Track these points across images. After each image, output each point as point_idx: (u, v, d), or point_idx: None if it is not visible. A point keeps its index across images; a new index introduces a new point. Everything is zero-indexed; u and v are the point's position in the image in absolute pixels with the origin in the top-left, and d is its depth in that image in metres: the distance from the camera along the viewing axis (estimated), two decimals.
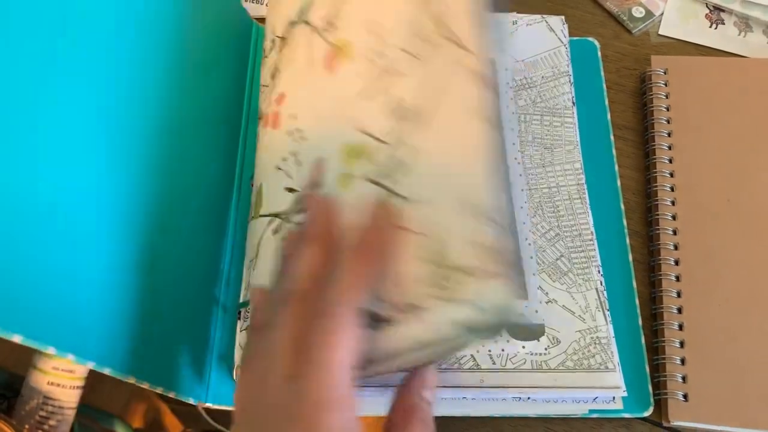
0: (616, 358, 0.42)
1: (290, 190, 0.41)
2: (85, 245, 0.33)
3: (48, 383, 0.40)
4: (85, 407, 1.03)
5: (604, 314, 0.43)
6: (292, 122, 0.42)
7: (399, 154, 0.36)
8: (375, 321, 0.31)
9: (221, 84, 0.49)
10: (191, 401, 0.41)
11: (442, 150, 0.36)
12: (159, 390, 0.38)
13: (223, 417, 1.15)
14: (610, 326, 0.43)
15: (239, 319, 0.44)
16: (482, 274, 0.32)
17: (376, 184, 0.36)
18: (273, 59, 0.45)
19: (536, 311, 0.43)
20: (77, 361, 0.32)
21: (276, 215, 0.41)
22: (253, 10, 0.57)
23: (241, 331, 0.43)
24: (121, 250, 0.36)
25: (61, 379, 0.41)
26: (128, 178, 0.37)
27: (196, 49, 0.45)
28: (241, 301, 0.45)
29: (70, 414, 0.44)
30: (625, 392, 0.41)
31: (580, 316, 0.43)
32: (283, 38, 0.44)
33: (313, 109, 0.41)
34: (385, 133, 0.37)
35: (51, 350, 0.30)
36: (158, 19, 0.40)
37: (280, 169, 0.42)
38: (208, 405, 0.43)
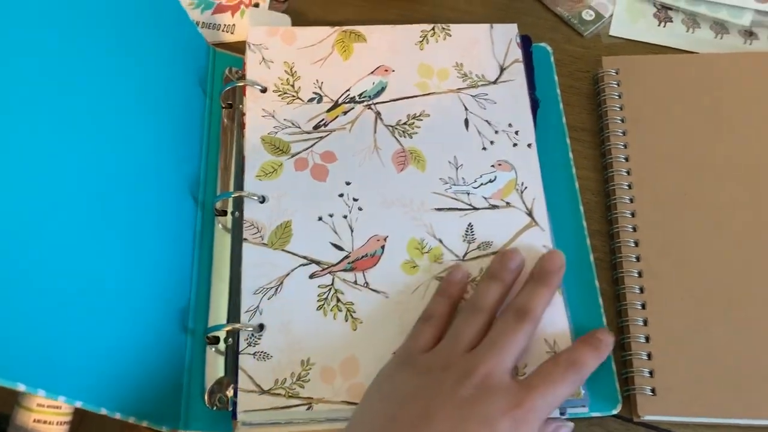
0: None
1: (336, 246, 0.46)
2: (47, 279, 0.34)
3: (34, 421, 0.40)
4: None
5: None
6: (345, 187, 0.48)
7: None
8: None
9: (175, 104, 0.49)
10: (164, 430, 0.41)
11: None
12: (131, 420, 0.38)
13: None
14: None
15: (210, 344, 0.45)
16: None
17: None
18: (318, 112, 0.51)
19: None
20: (48, 396, 0.32)
21: (316, 262, 0.45)
22: (210, 36, 0.58)
23: (241, 353, 0.43)
24: (84, 282, 0.36)
25: (46, 415, 0.41)
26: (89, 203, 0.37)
27: (147, 68, 0.46)
28: (210, 326, 0.45)
29: None
30: (583, 398, 0.42)
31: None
32: (337, 104, 0.51)
33: (375, 190, 0.48)
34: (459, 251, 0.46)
35: (21, 387, 0.30)
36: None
37: (322, 220, 0.46)
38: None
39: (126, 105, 0.43)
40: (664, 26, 0.58)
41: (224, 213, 0.49)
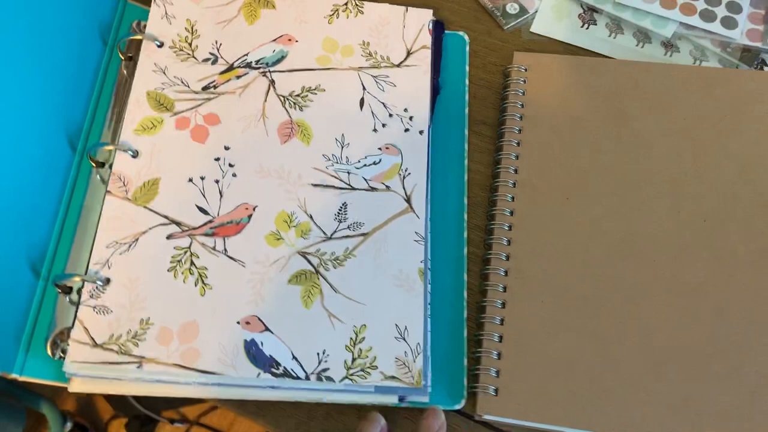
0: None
1: (201, 210, 0.45)
2: None
3: None
4: (11, 386, 1.02)
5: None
6: (223, 151, 0.47)
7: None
8: None
9: (67, 50, 0.48)
10: None
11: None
12: None
13: (151, 402, 1.14)
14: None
15: (63, 293, 0.44)
16: None
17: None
18: (210, 73, 0.49)
19: None
20: None
21: (176, 222, 0.45)
22: None
23: (81, 304, 0.42)
24: None
25: None
26: None
27: (42, 13, 0.45)
28: (66, 272, 0.45)
29: None
30: (422, 388, 0.41)
31: None
32: (232, 67, 0.50)
33: (254, 158, 0.47)
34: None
35: None
36: None
37: (192, 182, 0.46)
38: (15, 376, 0.42)
39: (10, 43, 0.42)
40: (587, 28, 0.56)
41: (104, 165, 0.48)
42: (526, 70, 0.53)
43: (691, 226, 0.46)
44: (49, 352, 0.43)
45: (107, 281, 0.43)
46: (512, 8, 0.57)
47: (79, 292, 0.44)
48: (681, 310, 0.44)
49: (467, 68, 0.54)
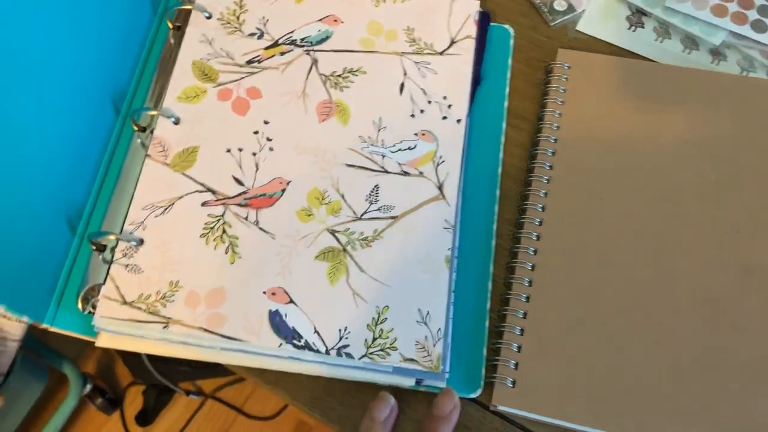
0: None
1: (237, 180, 0.46)
2: None
3: None
4: (37, 344, 1.05)
5: None
6: (262, 125, 0.48)
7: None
8: None
9: (117, 16, 0.49)
10: (25, 320, 0.42)
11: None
12: None
13: (169, 373, 1.15)
14: None
15: (97, 250, 0.45)
16: None
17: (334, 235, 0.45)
18: (255, 47, 0.50)
19: None
20: None
21: (212, 191, 0.46)
22: None
23: (114, 262, 0.44)
24: None
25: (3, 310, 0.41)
26: None
27: None
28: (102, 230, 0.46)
29: (14, 347, 0.45)
30: (440, 373, 0.41)
31: None
32: (277, 43, 0.51)
33: (292, 134, 0.48)
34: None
35: None
36: None
37: (230, 153, 0.46)
38: (46, 327, 0.43)
39: (68, 5, 0.43)
40: (634, 31, 0.56)
41: (145, 130, 0.49)
42: (569, 67, 0.52)
43: (723, 236, 0.46)
44: (79, 306, 0.44)
45: (141, 242, 0.44)
46: (560, 5, 0.57)
47: (112, 250, 0.45)
48: (705, 319, 0.43)
49: (510, 61, 0.54)
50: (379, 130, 0.49)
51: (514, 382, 0.43)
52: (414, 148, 0.48)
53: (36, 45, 0.41)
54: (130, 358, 1.10)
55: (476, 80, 0.52)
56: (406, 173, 0.47)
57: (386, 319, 0.43)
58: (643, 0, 0.56)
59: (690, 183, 0.47)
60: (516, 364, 0.43)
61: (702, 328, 0.43)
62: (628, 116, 0.50)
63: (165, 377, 1.10)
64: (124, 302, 0.42)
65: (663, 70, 0.52)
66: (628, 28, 0.56)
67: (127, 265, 0.43)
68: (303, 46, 0.51)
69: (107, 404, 1.08)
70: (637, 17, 0.56)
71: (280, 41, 0.51)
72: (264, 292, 0.43)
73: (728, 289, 0.44)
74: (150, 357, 1.01)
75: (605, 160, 0.49)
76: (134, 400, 1.14)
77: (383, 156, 0.48)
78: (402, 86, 0.50)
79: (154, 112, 0.47)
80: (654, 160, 0.48)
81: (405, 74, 0.51)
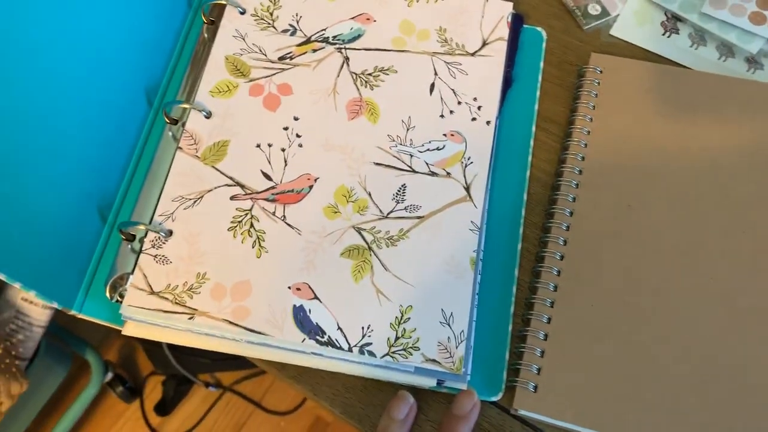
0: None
1: (266, 175, 0.46)
2: None
3: (21, 299, 0.41)
4: (61, 330, 1.06)
5: None
6: (292, 121, 0.48)
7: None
8: None
9: (153, 10, 0.50)
10: (55, 305, 0.43)
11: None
12: (17, 285, 0.40)
13: (189, 364, 1.16)
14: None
15: (126, 240, 0.46)
16: None
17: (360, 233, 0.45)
18: (288, 44, 0.51)
19: None
20: None
21: (241, 185, 0.46)
22: None
23: (143, 252, 0.44)
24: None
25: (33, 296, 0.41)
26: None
27: None
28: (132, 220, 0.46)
29: (39, 332, 0.45)
30: (462, 375, 0.41)
31: None
32: (309, 40, 0.51)
33: (321, 131, 0.48)
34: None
35: None
36: None
37: (259, 148, 0.47)
38: (75, 313, 0.44)
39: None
40: (669, 36, 0.55)
41: (176, 122, 0.50)
42: (601, 72, 0.52)
43: (754, 248, 0.45)
44: (107, 294, 0.45)
45: (170, 233, 0.44)
46: (594, 9, 0.56)
47: (141, 240, 0.45)
48: (732, 332, 0.43)
49: (541, 64, 0.54)
50: (408, 130, 0.49)
51: (536, 387, 0.42)
52: (442, 148, 0.48)
53: (76, 38, 0.42)
54: (151, 349, 1.11)
55: (507, 82, 0.51)
56: (433, 173, 0.47)
57: (409, 318, 0.43)
58: (678, 6, 0.55)
59: (723, 193, 0.47)
60: (539, 369, 0.43)
61: (731, 341, 0.43)
62: (660, 122, 0.49)
63: (185, 368, 1.11)
64: (152, 292, 0.42)
65: (697, 78, 0.51)
66: (663, 34, 0.55)
67: (155, 256, 0.43)
68: (335, 43, 0.51)
69: (127, 393, 1.10)
70: (672, 23, 0.56)
71: (313, 38, 0.51)
72: (289, 287, 0.43)
73: (761, 302, 0.43)
74: (170, 348, 1.02)
75: (635, 166, 0.48)
76: (153, 390, 1.15)
77: (411, 156, 0.48)
78: (432, 86, 0.50)
79: (186, 106, 0.48)
80: (686, 168, 0.48)
81: (436, 74, 0.51)
